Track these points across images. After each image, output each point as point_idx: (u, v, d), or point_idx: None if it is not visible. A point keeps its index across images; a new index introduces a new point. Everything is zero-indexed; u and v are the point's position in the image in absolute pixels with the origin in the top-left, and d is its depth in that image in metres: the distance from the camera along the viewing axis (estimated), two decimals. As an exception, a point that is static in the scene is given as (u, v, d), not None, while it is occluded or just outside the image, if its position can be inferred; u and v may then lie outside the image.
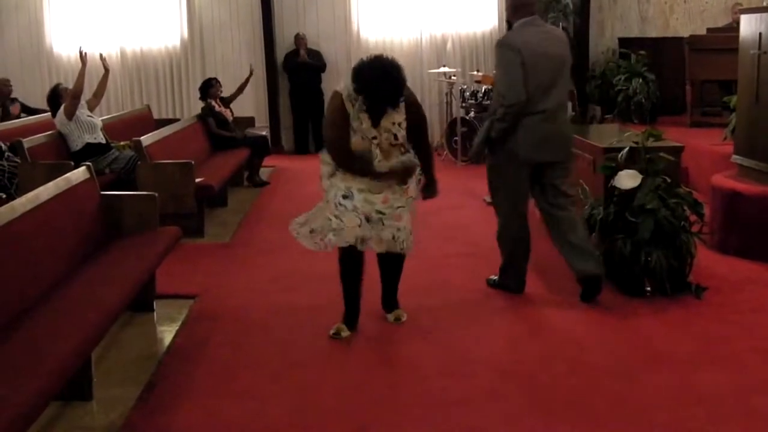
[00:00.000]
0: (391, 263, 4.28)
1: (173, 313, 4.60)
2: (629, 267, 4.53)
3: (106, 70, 7.55)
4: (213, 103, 8.73)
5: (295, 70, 10.90)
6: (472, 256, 5.49)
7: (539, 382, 3.58)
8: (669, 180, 4.62)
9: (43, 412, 2.78)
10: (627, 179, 4.58)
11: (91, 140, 6.89)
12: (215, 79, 8.97)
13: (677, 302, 4.51)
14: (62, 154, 6.77)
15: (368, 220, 4.00)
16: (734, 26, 8.16)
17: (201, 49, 11.23)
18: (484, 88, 9.62)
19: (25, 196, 3.94)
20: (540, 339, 4.12)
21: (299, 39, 10.89)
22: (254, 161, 8.81)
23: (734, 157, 5.74)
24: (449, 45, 11.08)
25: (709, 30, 9.32)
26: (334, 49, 11.13)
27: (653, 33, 10.62)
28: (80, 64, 6.98)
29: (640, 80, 9.54)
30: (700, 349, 3.93)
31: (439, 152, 9.58)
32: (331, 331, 4.17)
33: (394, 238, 4.05)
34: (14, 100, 9.70)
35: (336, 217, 3.99)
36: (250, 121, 9.79)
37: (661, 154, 4.64)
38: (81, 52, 7.06)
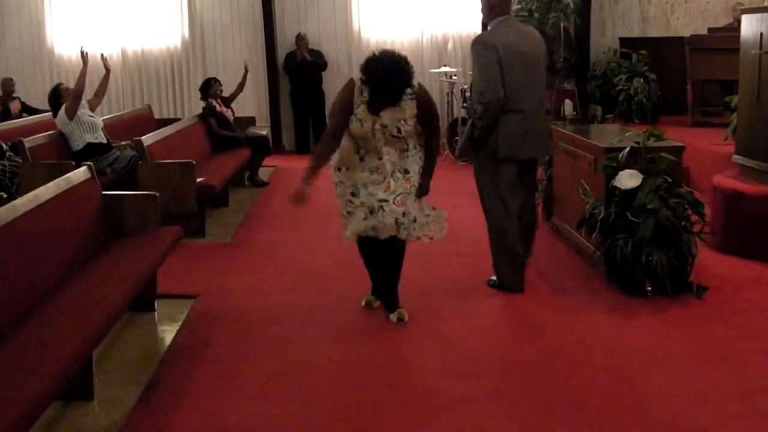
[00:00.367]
0: (391, 250, 4.28)
1: (174, 313, 4.60)
2: (630, 267, 4.53)
3: (107, 70, 7.56)
4: (214, 102, 8.73)
5: (296, 70, 10.91)
6: (473, 256, 5.49)
7: (540, 382, 3.58)
8: (670, 180, 4.62)
9: (45, 412, 2.77)
10: (628, 179, 4.58)
11: (92, 140, 6.90)
12: (215, 78, 8.96)
13: (678, 302, 4.51)
14: (63, 153, 6.77)
15: (371, 211, 4.13)
16: (735, 26, 8.17)
17: (202, 49, 11.24)
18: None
19: (26, 195, 3.93)
20: (541, 339, 4.12)
21: (300, 39, 10.90)
22: (255, 161, 8.82)
23: (735, 157, 5.74)
24: (450, 45, 11.07)
25: (710, 30, 9.31)
26: (335, 50, 11.14)
27: (654, 33, 10.61)
28: (81, 64, 7.00)
29: (641, 80, 9.53)
30: (701, 349, 3.93)
31: (440, 152, 9.56)
32: (363, 302, 4.50)
33: (397, 222, 4.10)
34: (15, 98, 9.73)
35: (349, 213, 4.24)
36: (251, 121, 9.80)
37: (662, 154, 4.65)
38: (82, 52, 7.07)
